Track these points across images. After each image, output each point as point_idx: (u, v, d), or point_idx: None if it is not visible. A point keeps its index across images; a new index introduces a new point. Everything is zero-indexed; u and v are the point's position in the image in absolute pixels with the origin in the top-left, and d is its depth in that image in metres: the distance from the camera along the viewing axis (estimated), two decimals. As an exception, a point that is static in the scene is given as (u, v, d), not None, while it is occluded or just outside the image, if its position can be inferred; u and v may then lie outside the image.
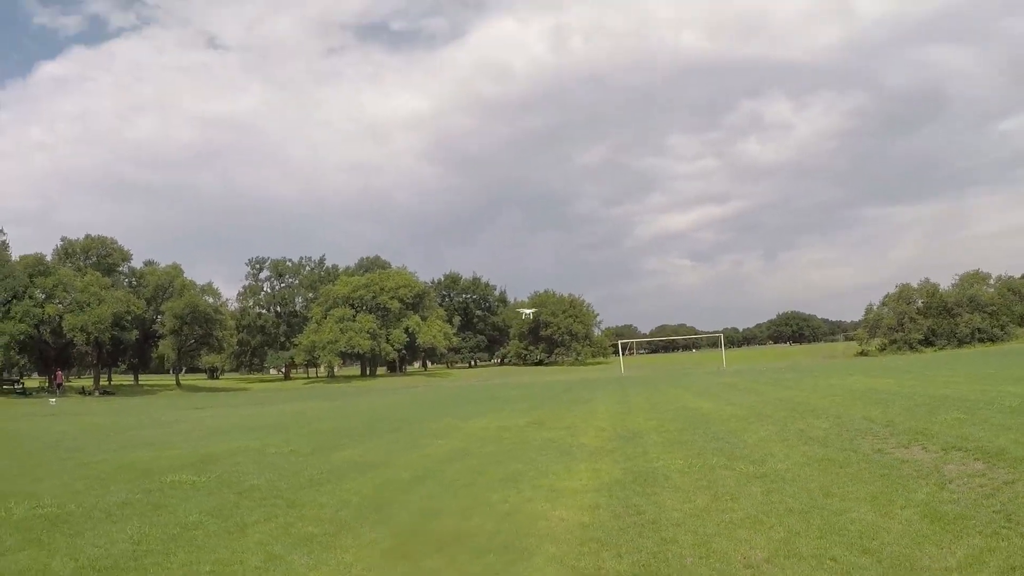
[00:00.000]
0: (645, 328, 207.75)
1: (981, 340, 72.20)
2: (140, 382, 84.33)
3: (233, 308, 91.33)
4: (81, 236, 73.91)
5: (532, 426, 18.60)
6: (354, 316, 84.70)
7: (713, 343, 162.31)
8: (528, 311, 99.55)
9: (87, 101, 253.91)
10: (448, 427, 19.21)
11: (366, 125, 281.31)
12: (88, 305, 61.29)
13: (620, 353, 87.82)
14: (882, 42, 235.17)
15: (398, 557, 6.74)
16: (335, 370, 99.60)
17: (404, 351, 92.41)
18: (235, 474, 11.79)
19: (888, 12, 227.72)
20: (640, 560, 6.24)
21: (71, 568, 6.58)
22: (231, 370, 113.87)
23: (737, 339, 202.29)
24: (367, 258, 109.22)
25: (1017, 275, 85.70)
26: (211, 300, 78.33)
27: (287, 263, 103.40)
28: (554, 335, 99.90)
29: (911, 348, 73.32)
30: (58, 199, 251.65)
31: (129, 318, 66.27)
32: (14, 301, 59.43)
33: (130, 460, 13.92)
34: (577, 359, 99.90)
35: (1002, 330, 73.75)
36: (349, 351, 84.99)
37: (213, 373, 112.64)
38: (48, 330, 64.15)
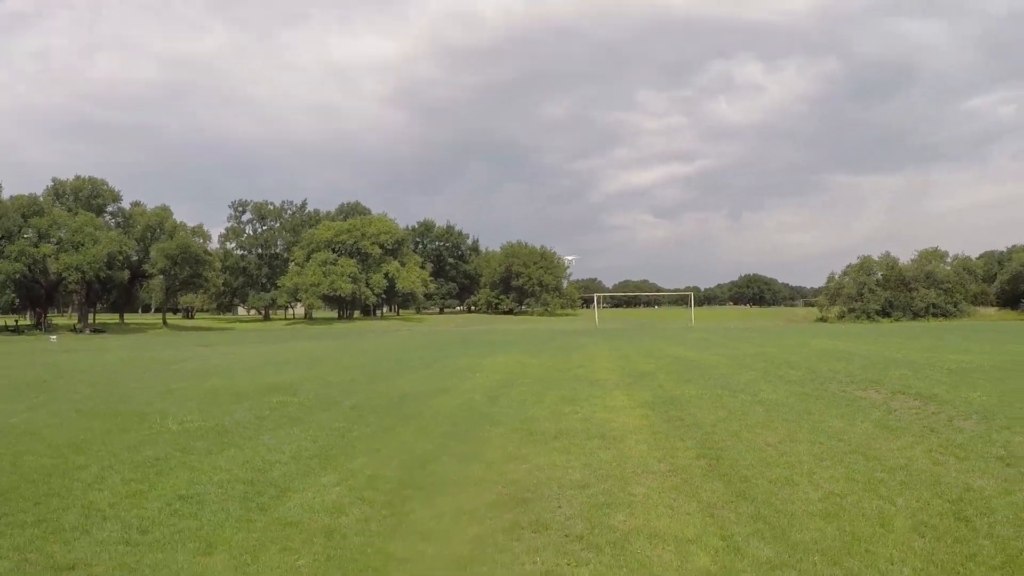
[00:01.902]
0: (608, 282, 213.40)
1: (935, 315, 78.41)
2: (125, 321, 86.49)
3: (213, 249, 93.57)
4: (71, 176, 76.08)
5: (549, 364, 22.37)
6: (336, 260, 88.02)
7: (675, 301, 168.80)
8: (570, 257, 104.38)
9: (46, 39, 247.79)
10: (472, 364, 22.71)
11: (333, 68, 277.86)
12: (83, 245, 63.48)
13: (596, 306, 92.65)
14: (856, 10, 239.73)
15: (530, 443, 10.03)
16: (312, 312, 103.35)
17: (383, 296, 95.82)
18: (324, 396, 14.83)
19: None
20: (697, 442, 9.82)
21: (288, 454, 9.19)
22: (203, 311, 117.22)
23: (699, 298, 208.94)
24: (347, 204, 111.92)
25: (975, 253, 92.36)
26: (200, 241, 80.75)
27: (269, 206, 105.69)
28: (525, 285, 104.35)
29: (868, 318, 79.16)
30: (16, 138, 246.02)
31: (121, 258, 68.86)
32: (6, 240, 61.46)
33: (210, 387, 16.91)
34: (546, 310, 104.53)
35: (955, 306, 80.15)
36: (331, 294, 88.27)
37: (189, 313, 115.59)
38: (39, 269, 66.15)
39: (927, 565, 5.24)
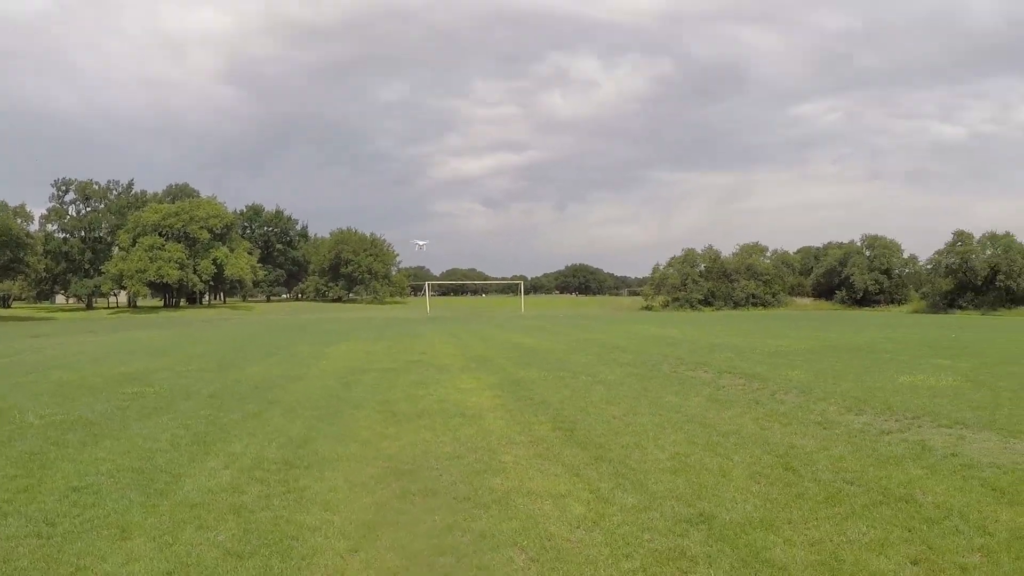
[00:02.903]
0: (436, 270, 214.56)
1: (755, 304, 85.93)
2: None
3: (34, 231, 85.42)
4: None
5: (391, 352, 22.81)
6: (163, 245, 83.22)
7: (502, 289, 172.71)
8: (422, 242, 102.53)
9: None
10: (315, 352, 22.75)
11: (163, 38, 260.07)
12: None
13: (427, 294, 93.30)
14: (698, 13, 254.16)
15: (396, 423, 10.40)
16: (137, 300, 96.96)
17: (212, 282, 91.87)
18: (180, 386, 14.57)
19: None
20: (549, 417, 10.61)
21: (166, 442, 9.13)
22: (20, 299, 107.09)
23: (526, 287, 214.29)
24: (175, 185, 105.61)
25: (792, 248, 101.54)
26: (21, 223, 73.31)
27: (94, 186, 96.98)
28: (355, 273, 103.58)
29: (692, 307, 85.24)
30: None
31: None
32: None
33: (57, 379, 16.04)
34: (376, 298, 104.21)
35: (774, 297, 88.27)
36: (158, 280, 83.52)
37: (5, 301, 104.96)
38: None
39: (764, 503, 6.32)
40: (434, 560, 5.23)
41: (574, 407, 11.59)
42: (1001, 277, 68.63)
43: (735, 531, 5.67)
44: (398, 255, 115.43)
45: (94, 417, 11.10)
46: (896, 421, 10.44)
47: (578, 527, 5.82)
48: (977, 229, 75.55)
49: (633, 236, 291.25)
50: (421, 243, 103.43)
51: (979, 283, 70.40)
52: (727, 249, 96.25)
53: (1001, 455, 8.20)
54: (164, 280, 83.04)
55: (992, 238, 72.66)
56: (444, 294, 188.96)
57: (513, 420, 10.51)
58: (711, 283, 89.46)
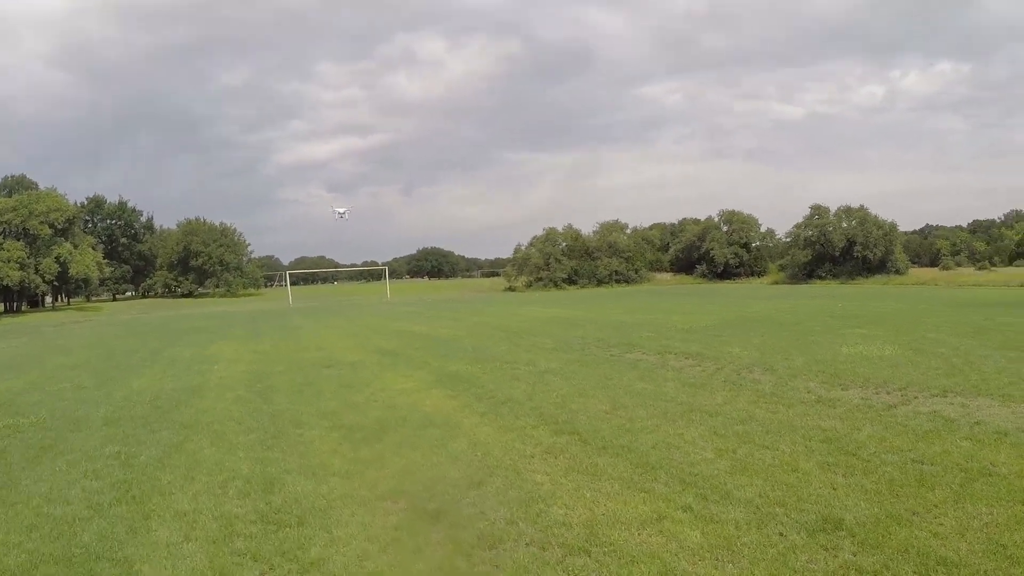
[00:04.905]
0: (285, 259, 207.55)
1: (618, 281, 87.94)
2: None
3: None
4: None
5: (282, 350, 20.75)
6: (1, 243, 74.94)
7: (352, 276, 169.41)
8: (341, 209, 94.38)
9: None
10: (198, 355, 20.30)
11: None
12: None
13: (287, 284, 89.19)
14: None
15: (364, 444, 9.09)
16: None
17: (56, 283, 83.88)
18: (61, 411, 11.93)
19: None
20: (536, 417, 9.52)
21: (81, 504, 7.99)
22: None
23: (377, 273, 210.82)
24: (12, 177, 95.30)
25: (643, 225, 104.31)
26: None
27: None
28: (205, 265, 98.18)
29: (556, 285, 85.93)
30: None
31: None
32: None
33: None
34: (229, 290, 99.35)
35: (636, 273, 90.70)
36: None
37: None
38: None
39: (868, 495, 5.68)
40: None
41: (549, 404, 10.55)
42: (858, 248, 73.10)
43: (878, 533, 5.22)
44: (249, 245, 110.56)
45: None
46: (888, 394, 10.44)
47: (718, 559, 4.92)
48: (818, 202, 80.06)
49: (482, 217, 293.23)
50: (341, 210, 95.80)
51: (836, 254, 74.74)
52: (585, 227, 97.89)
53: (1019, 419, 8.46)
54: (4, 283, 75.15)
55: (847, 211, 77.28)
56: (294, 283, 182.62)
57: (497, 426, 9.30)
58: (574, 262, 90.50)
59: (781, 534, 5.30)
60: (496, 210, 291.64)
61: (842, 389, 10.87)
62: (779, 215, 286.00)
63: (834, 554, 4.97)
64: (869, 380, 11.49)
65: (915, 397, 10.07)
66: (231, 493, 6.98)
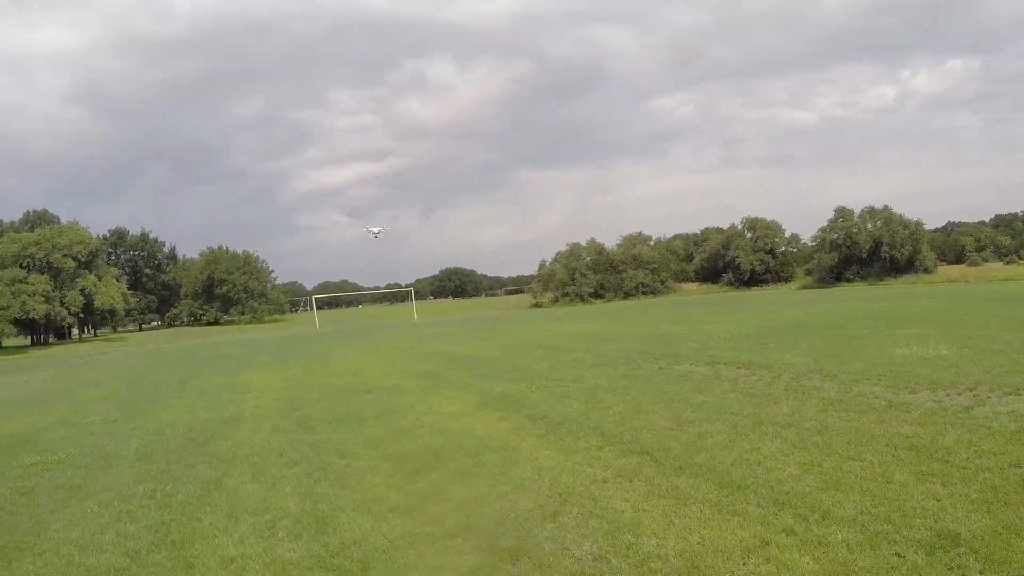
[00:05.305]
0: (308, 285, 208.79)
1: (644, 293, 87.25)
2: None
3: None
4: None
5: (315, 376, 20.43)
6: (26, 278, 76.01)
7: (375, 299, 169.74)
8: (376, 229, 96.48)
9: None
10: (229, 384, 20.02)
11: (3, 57, 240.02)
12: None
13: (314, 308, 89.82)
14: (552, 15, 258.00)
15: (418, 475, 8.78)
16: (1, 341, 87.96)
17: (81, 314, 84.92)
18: (90, 446, 11.70)
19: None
20: (598, 437, 9.11)
21: (117, 552, 7.65)
22: None
23: (403, 294, 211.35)
24: (34, 212, 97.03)
25: (666, 236, 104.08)
26: None
27: None
28: (230, 293, 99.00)
29: (582, 300, 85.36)
30: None
31: None
32: None
33: None
34: (254, 317, 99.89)
35: (662, 284, 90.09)
36: (23, 317, 76.15)
37: None
38: None
39: (976, 507, 5.24)
40: None
41: (609, 422, 10.07)
42: (885, 248, 72.10)
43: (1000, 547, 4.85)
44: (273, 271, 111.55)
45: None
46: (959, 395, 10.02)
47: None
48: (839, 206, 78.98)
49: (502, 236, 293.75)
50: (375, 230, 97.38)
51: (864, 256, 73.66)
52: (605, 241, 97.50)
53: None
54: (30, 316, 76.05)
55: (871, 212, 76.26)
56: (319, 308, 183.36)
57: (558, 448, 8.82)
58: (599, 276, 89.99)
59: (898, 555, 4.87)
60: (515, 229, 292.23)
61: (910, 392, 10.42)
62: (797, 221, 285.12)
63: (962, 573, 4.54)
64: (935, 382, 11.02)
65: (988, 397, 9.67)
66: (281, 535, 6.52)
